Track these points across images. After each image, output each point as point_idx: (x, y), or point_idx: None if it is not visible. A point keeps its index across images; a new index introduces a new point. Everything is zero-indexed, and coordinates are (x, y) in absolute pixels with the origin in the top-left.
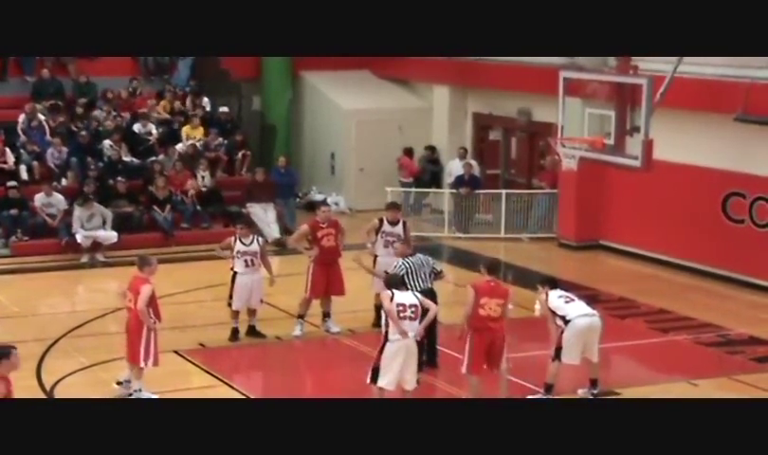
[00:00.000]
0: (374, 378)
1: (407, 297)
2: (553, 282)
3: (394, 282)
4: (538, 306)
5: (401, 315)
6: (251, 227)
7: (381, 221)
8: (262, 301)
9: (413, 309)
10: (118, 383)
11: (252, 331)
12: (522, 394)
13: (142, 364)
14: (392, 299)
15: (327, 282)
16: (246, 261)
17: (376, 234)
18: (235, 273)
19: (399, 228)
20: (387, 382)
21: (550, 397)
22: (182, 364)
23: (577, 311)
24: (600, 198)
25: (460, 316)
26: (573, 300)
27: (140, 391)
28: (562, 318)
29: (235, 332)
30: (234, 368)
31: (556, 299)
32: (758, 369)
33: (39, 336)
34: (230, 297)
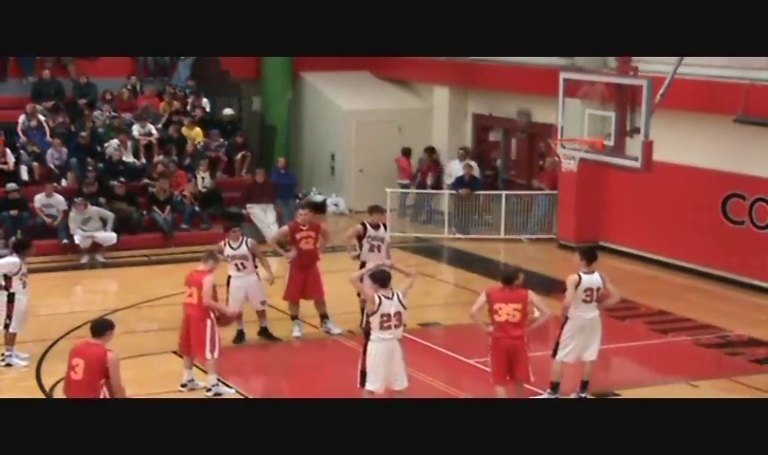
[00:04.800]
0: (363, 382)
1: (392, 305)
2: (592, 256)
3: (382, 278)
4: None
5: (385, 324)
6: (236, 230)
7: (364, 225)
8: (264, 302)
9: (398, 316)
10: (183, 386)
11: (264, 332)
12: (527, 395)
13: (208, 356)
14: (377, 310)
15: (304, 285)
16: (236, 265)
17: (360, 240)
18: (230, 277)
19: (383, 232)
20: (375, 387)
21: (556, 396)
22: (181, 365)
23: (581, 313)
24: (600, 199)
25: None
26: (590, 301)
27: (217, 384)
28: (566, 315)
29: (240, 334)
30: (233, 369)
31: (582, 292)
32: (757, 370)
33: (38, 336)
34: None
